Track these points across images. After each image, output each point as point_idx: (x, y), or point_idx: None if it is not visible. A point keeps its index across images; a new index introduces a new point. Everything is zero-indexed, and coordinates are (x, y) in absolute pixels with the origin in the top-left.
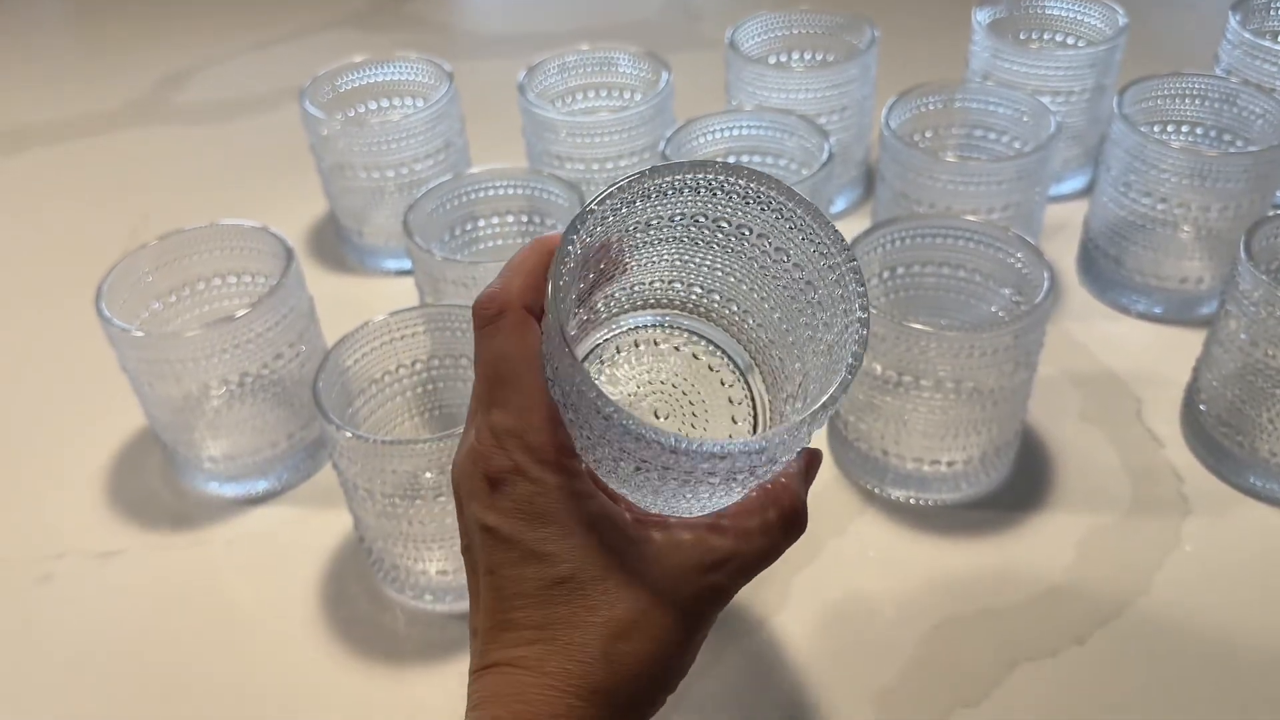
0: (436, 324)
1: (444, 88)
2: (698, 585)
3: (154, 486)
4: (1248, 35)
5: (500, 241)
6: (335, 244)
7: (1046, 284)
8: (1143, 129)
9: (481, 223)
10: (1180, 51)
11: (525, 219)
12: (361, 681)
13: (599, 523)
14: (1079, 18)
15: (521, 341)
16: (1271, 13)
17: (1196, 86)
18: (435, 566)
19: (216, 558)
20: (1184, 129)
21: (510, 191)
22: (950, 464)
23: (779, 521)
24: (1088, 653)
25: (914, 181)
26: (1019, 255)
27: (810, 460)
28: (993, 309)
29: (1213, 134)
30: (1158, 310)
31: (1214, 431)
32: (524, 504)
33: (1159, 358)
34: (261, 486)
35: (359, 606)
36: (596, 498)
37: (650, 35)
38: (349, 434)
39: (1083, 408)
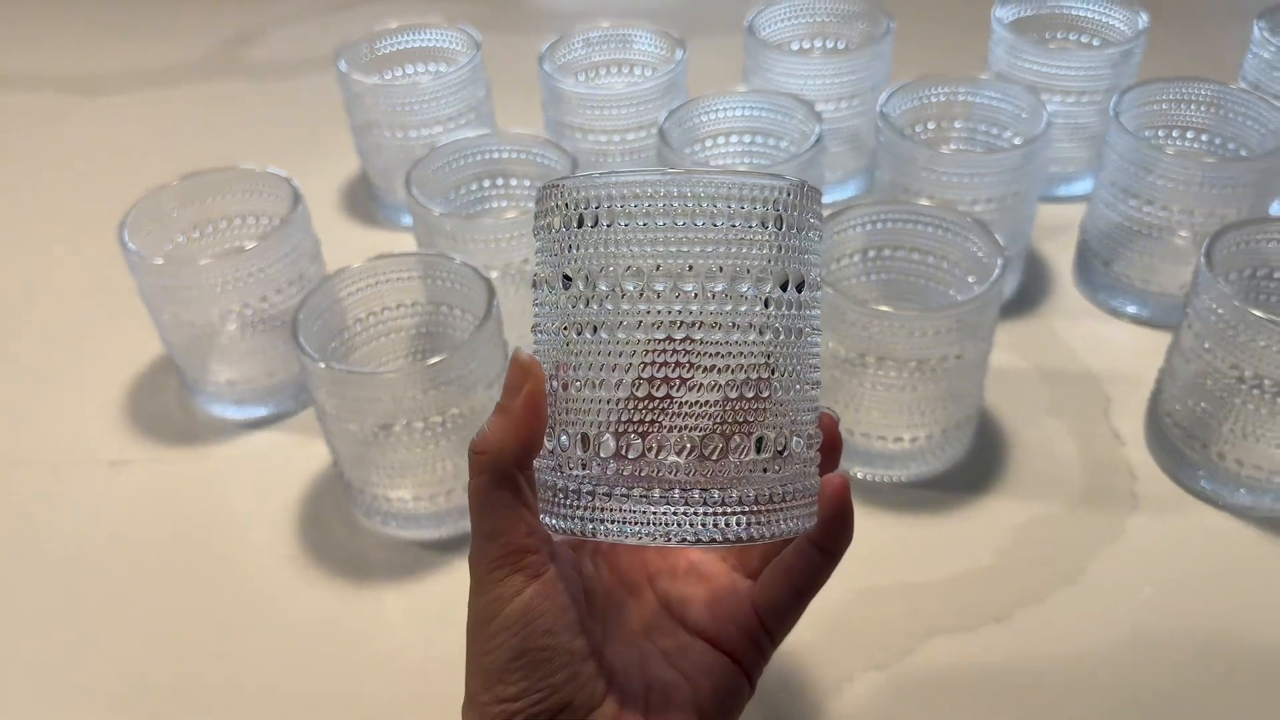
0: (416, 271)
1: (471, 55)
2: None
3: (168, 406)
4: (1275, 44)
5: (500, 203)
6: (366, 200)
7: (997, 271)
8: (1144, 134)
9: (487, 183)
10: (1204, 57)
11: (529, 182)
12: (329, 596)
13: None
14: (1100, 18)
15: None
16: None
17: (1198, 92)
18: (404, 494)
19: (213, 473)
20: (1188, 134)
21: (509, 155)
22: (898, 440)
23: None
24: (1005, 631)
25: (906, 171)
26: (977, 242)
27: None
28: (953, 293)
29: (1217, 141)
30: (1148, 315)
31: (1172, 435)
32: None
33: (1139, 360)
34: (262, 411)
35: (333, 529)
36: (474, 607)
37: (694, 16)
38: (321, 364)
39: (1051, 402)
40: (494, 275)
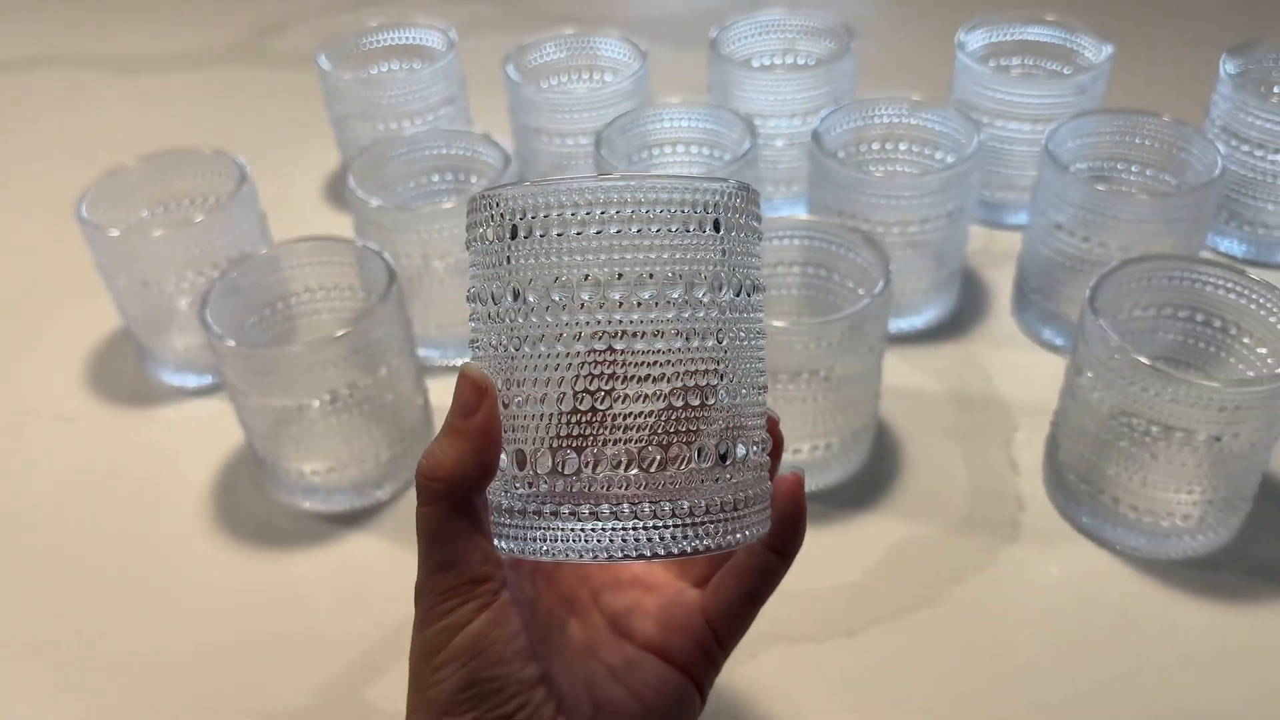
0: (326, 256)
1: (447, 53)
2: None
3: (124, 372)
4: (1241, 90)
5: (428, 198)
6: (344, 190)
7: (880, 285)
8: (1078, 167)
9: (435, 178)
10: (1171, 87)
11: (462, 177)
12: (235, 561)
13: None
14: (1069, 46)
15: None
16: (1273, 62)
17: (1132, 124)
18: (311, 468)
19: (154, 434)
20: (1133, 168)
21: (445, 151)
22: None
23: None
24: (853, 645)
25: (835, 192)
26: (867, 256)
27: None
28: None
29: (1148, 173)
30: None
31: (1062, 470)
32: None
33: (1058, 393)
34: (210, 380)
35: (247, 498)
36: (418, 638)
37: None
38: (231, 343)
39: (956, 427)
40: (436, 265)
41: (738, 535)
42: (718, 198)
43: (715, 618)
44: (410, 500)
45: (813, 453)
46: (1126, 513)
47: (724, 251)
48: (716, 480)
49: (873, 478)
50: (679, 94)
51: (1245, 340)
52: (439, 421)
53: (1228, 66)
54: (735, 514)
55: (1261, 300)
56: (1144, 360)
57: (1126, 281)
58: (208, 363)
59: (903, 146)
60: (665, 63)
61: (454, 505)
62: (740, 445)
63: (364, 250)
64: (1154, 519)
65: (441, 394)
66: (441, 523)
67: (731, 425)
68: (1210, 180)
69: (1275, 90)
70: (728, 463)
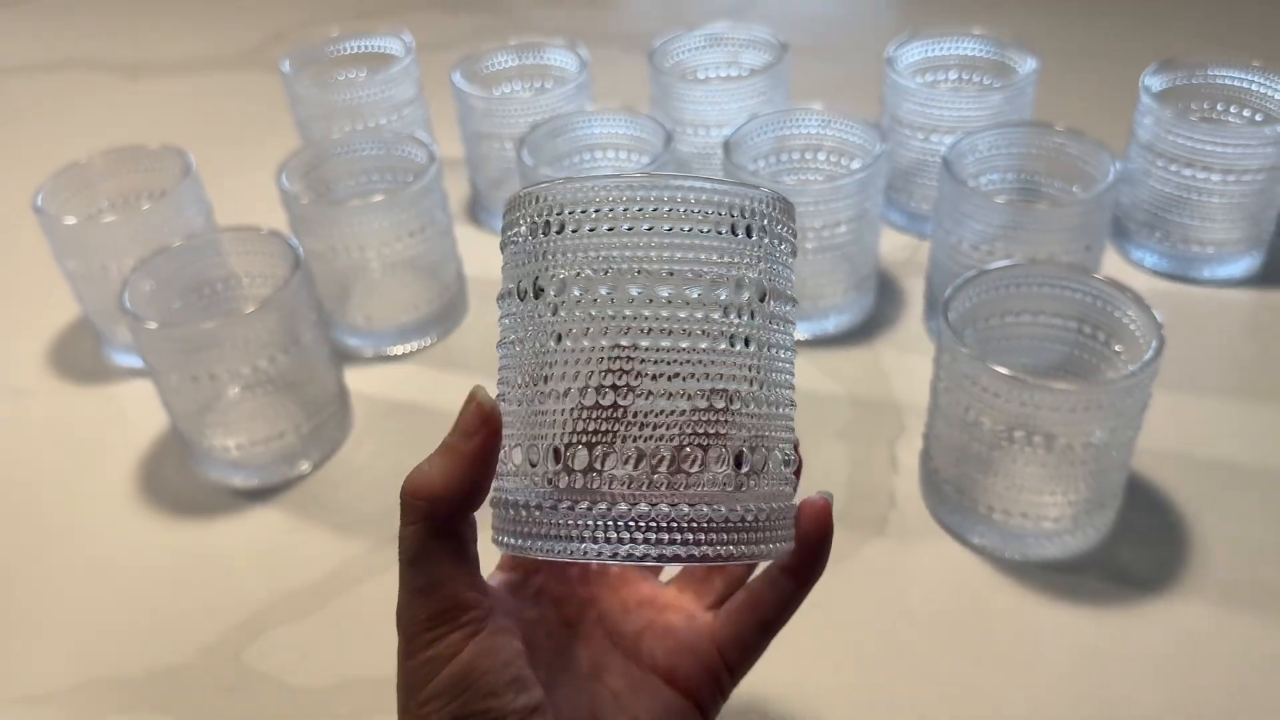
0: (244, 245)
1: (406, 58)
2: None
3: (82, 354)
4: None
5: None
6: None
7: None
8: (985, 178)
9: (376, 177)
10: (1098, 106)
11: (390, 177)
12: (157, 529)
13: None
14: (1002, 61)
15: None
16: (1196, 78)
17: (1031, 136)
18: (229, 443)
19: (100, 410)
20: (1040, 179)
21: (372, 153)
22: None
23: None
24: None
25: None
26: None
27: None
28: None
29: (1056, 184)
30: None
31: (935, 471)
32: None
33: None
34: None
35: (173, 471)
36: (404, 669)
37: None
38: (152, 325)
39: (846, 427)
40: (371, 256)
41: (758, 548)
42: (753, 204)
43: (726, 646)
44: (327, 478)
45: None
46: (988, 514)
47: (756, 258)
48: (739, 489)
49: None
50: (628, 103)
51: (1117, 348)
52: (357, 403)
53: (1150, 82)
54: (756, 526)
55: (1121, 305)
56: (998, 368)
57: (994, 289)
58: None
59: (821, 156)
60: (631, 73)
61: (438, 527)
62: (763, 456)
63: (276, 238)
64: (1015, 521)
65: (361, 381)
66: (424, 544)
67: (756, 434)
68: (1102, 190)
69: (1194, 107)
70: (745, 471)
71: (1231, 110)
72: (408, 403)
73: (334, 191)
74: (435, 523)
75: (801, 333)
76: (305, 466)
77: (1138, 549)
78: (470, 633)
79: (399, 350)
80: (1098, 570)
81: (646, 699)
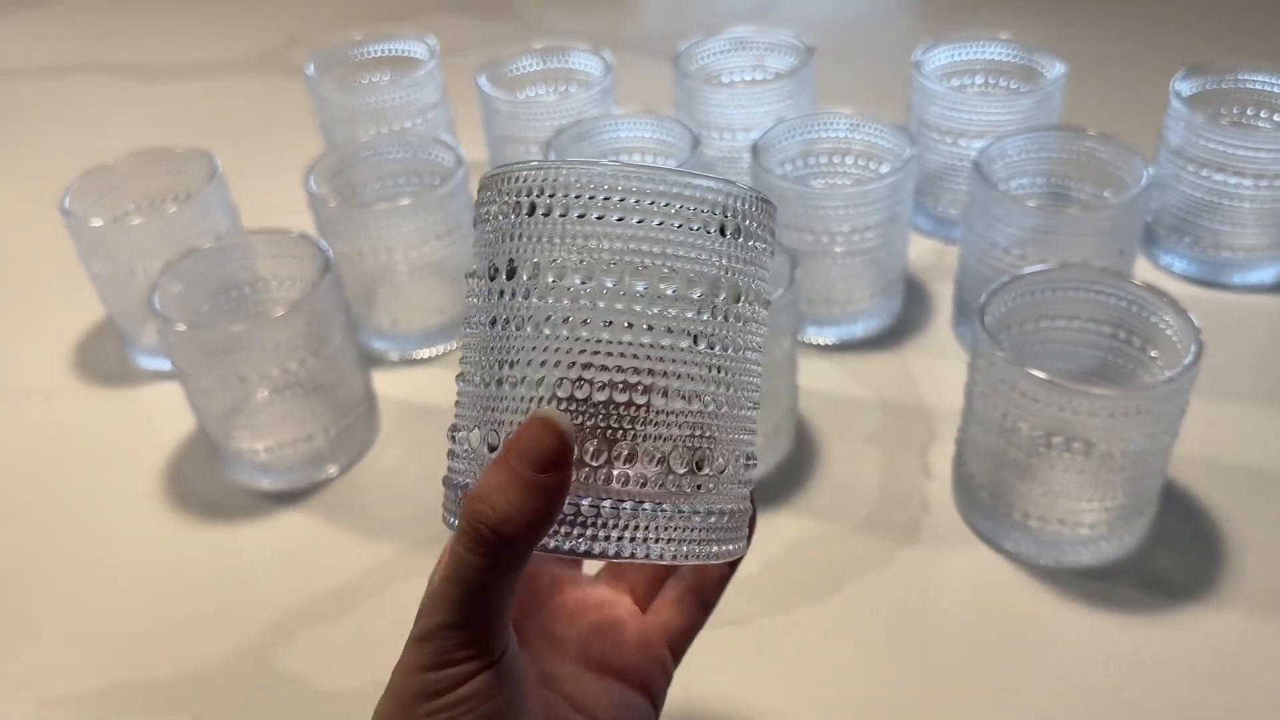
0: (271, 249)
1: (429, 64)
2: (405, 647)
3: (106, 357)
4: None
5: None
6: None
7: (784, 287)
8: (1015, 182)
9: (402, 180)
10: (1127, 111)
11: (416, 180)
12: (185, 531)
13: None
14: (1028, 65)
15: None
16: (1226, 83)
17: (1063, 140)
18: (257, 446)
19: (125, 413)
20: (1071, 184)
21: (398, 156)
22: None
23: (457, 534)
24: (741, 634)
25: (778, 204)
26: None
27: (514, 439)
28: None
29: (1087, 189)
30: None
31: (965, 476)
32: None
33: None
34: None
35: (199, 474)
36: (418, 678)
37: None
38: (181, 326)
39: (875, 431)
40: (398, 260)
41: (707, 549)
42: (735, 202)
43: (674, 634)
44: (354, 481)
45: None
46: (1023, 520)
47: (734, 257)
48: (696, 490)
49: (787, 478)
50: (651, 106)
51: (1153, 354)
52: (384, 407)
53: (1180, 87)
54: (706, 527)
55: (1158, 311)
56: (1036, 372)
57: (1028, 293)
58: None
59: (849, 160)
60: (653, 77)
61: (504, 561)
62: (725, 459)
63: (306, 241)
64: (1050, 527)
65: (388, 385)
66: (486, 576)
67: (716, 436)
68: (1135, 194)
69: (1224, 111)
70: (703, 472)
71: (1262, 115)
72: (434, 406)
73: (360, 194)
74: (503, 559)
75: (829, 337)
76: (333, 470)
77: (1172, 556)
78: (488, 663)
79: (425, 354)
80: (1132, 577)
81: (604, 701)
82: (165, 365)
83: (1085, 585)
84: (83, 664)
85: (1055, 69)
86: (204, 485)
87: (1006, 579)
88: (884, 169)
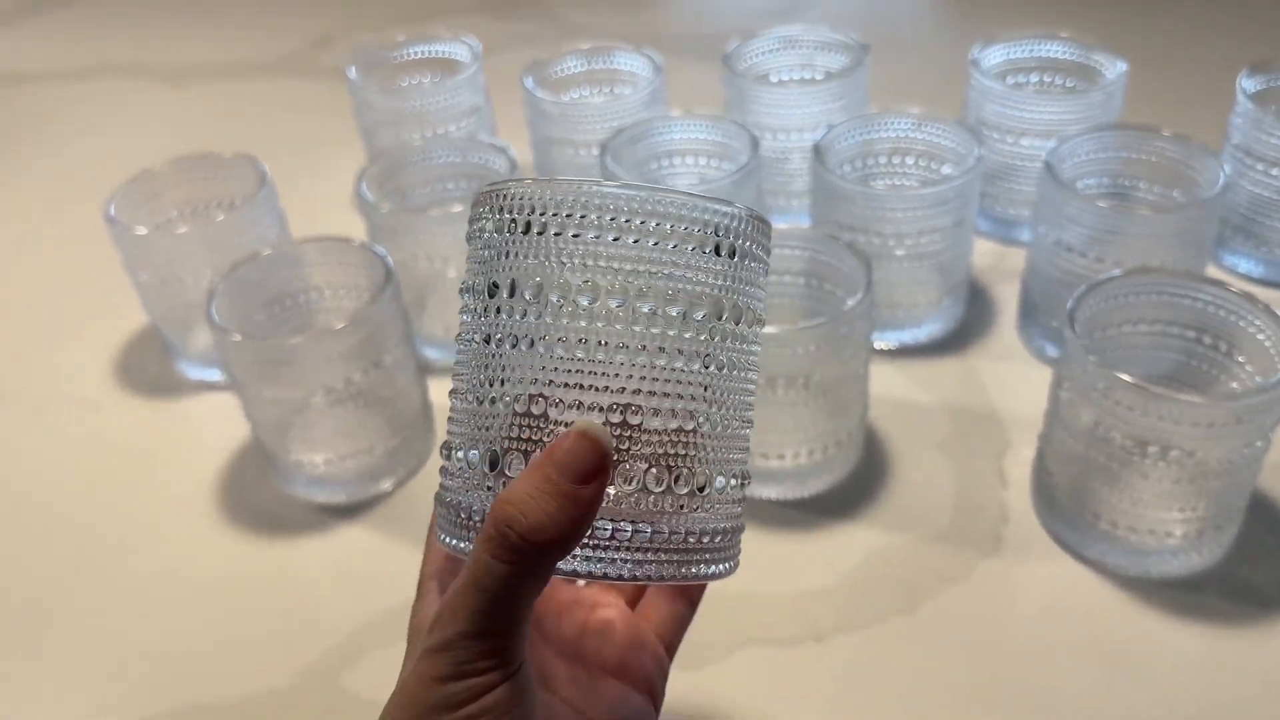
0: (330, 256)
1: (472, 65)
2: (417, 657)
3: (150, 366)
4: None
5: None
6: None
7: (861, 293)
8: (1084, 183)
9: (450, 185)
10: (1189, 109)
11: (477, 184)
12: (240, 547)
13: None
14: (1085, 63)
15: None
16: None
17: (1135, 140)
18: (316, 459)
19: (172, 424)
20: (1141, 184)
21: (458, 160)
22: (764, 458)
23: (480, 540)
24: (823, 650)
25: (837, 205)
26: (852, 265)
27: (552, 451)
28: None
29: (1156, 190)
30: None
31: (1048, 485)
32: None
33: None
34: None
35: (253, 487)
36: (435, 689)
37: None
38: (237, 337)
39: (946, 439)
40: (450, 273)
41: (688, 570)
42: (729, 221)
43: (666, 629)
44: (412, 494)
45: (795, 460)
46: (1110, 530)
47: (729, 277)
48: (681, 510)
49: (858, 487)
50: (689, 107)
51: (1239, 358)
52: (439, 418)
53: (1246, 84)
54: (689, 547)
55: (1248, 315)
56: (1126, 378)
57: (1112, 297)
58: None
59: (909, 160)
60: (693, 77)
61: (532, 572)
62: (719, 477)
63: (364, 249)
64: (1138, 536)
65: (441, 393)
66: (511, 585)
67: (706, 456)
68: (1212, 195)
69: None
70: (704, 493)
71: None
72: None
73: (409, 199)
74: (529, 568)
75: (891, 342)
76: (387, 485)
77: (1260, 566)
78: (508, 674)
79: None
80: (1219, 587)
81: (604, 701)
82: (212, 375)
83: (1173, 596)
84: (147, 686)
85: (1116, 67)
86: (259, 498)
87: (1092, 590)
88: (945, 169)
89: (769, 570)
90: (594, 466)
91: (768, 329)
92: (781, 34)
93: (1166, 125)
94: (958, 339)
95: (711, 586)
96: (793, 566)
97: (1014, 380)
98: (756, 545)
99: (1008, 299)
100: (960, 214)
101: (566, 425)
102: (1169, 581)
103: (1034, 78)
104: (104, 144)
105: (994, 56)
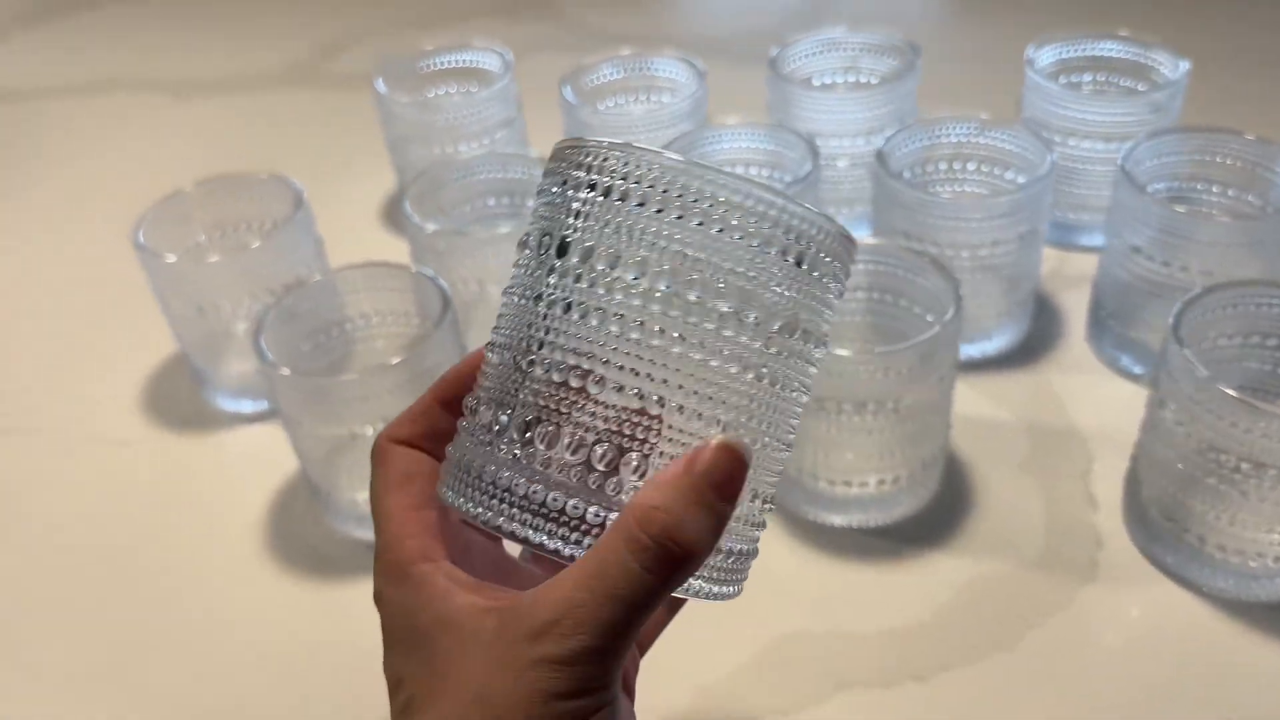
0: (383, 282)
1: (504, 75)
2: (522, 664)
3: (180, 398)
4: None
5: (491, 222)
6: (399, 214)
7: (953, 311)
8: (1155, 187)
9: (492, 201)
10: (1253, 108)
11: (519, 200)
12: (291, 592)
13: (437, 630)
14: (1141, 62)
15: (381, 472)
16: None
17: (1212, 143)
18: (364, 496)
19: (209, 460)
20: (1213, 189)
21: (501, 175)
22: (846, 485)
23: (626, 546)
24: (924, 691)
25: (901, 214)
26: (933, 282)
27: (695, 461)
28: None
29: (1230, 194)
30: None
31: (1144, 505)
32: (384, 629)
33: (1136, 424)
34: (266, 405)
35: (301, 525)
36: (441, 600)
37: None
38: (284, 371)
39: (1029, 458)
40: (492, 290)
41: (706, 587)
42: (813, 231)
43: (645, 632)
44: None
45: (879, 487)
46: (1213, 552)
47: (796, 288)
48: None
49: (943, 513)
50: (737, 114)
51: None
52: None
53: None
54: (709, 562)
55: None
56: (1234, 393)
57: (1212, 309)
58: (263, 388)
59: (970, 166)
60: (721, 82)
61: (673, 587)
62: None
63: (419, 276)
64: (1243, 559)
65: None
66: (655, 601)
67: None
68: None
69: None
70: None
71: None
72: None
73: (450, 217)
74: (675, 583)
75: (960, 355)
76: None
77: None
78: (606, 701)
79: None
80: None
81: None
82: (246, 406)
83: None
84: None
85: (1178, 66)
86: (308, 538)
87: (1201, 617)
88: (1009, 175)
89: (858, 605)
90: (738, 484)
91: (855, 352)
92: (824, 36)
93: (1228, 125)
94: (1026, 351)
95: (799, 624)
96: (883, 601)
97: (1089, 393)
98: (841, 578)
99: (1072, 307)
100: (1033, 222)
101: (608, 405)
102: (1277, 605)
103: (1085, 77)
104: (110, 163)
105: (1046, 56)
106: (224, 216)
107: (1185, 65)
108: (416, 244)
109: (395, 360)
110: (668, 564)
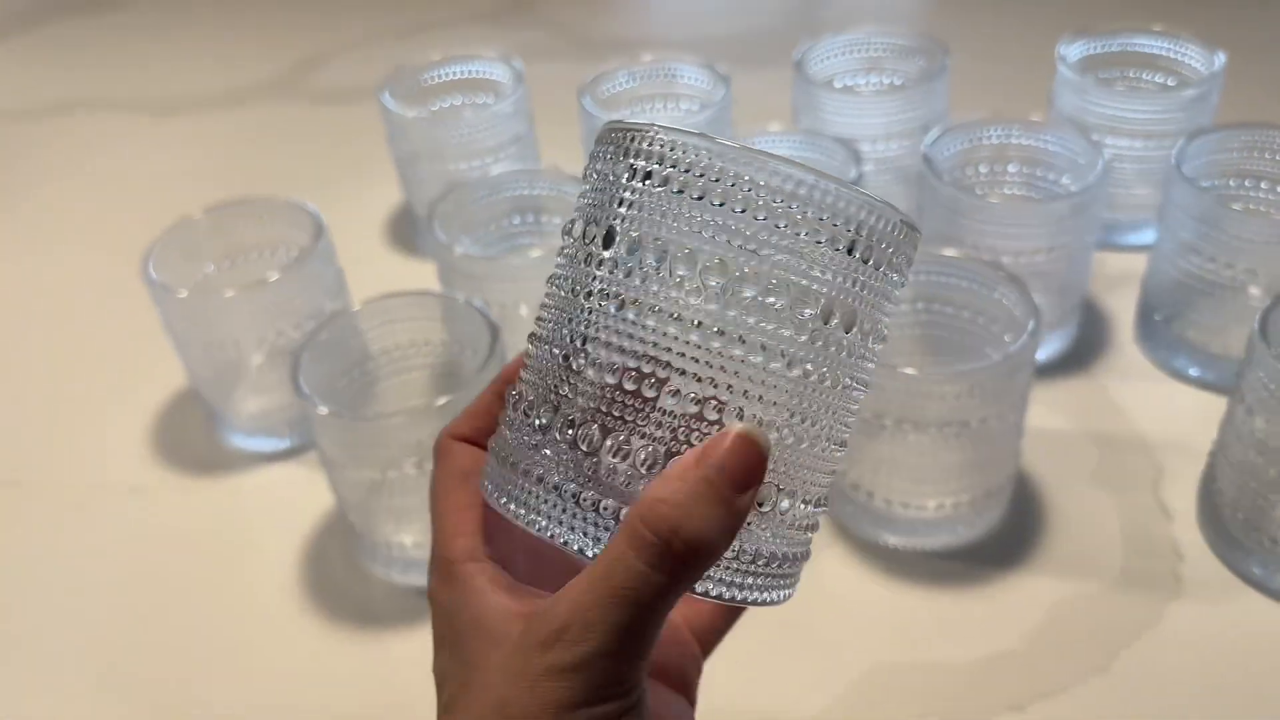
0: (423, 311)
1: (515, 87)
2: (535, 673)
3: (192, 438)
4: None
5: (516, 241)
6: (411, 233)
7: (1031, 326)
8: (1210, 184)
9: (517, 219)
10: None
11: (544, 218)
12: (330, 640)
13: (471, 631)
14: (1172, 57)
15: (441, 469)
16: None
17: (1261, 139)
18: (406, 540)
19: (229, 505)
20: (1261, 185)
21: (527, 192)
22: (920, 508)
23: (629, 543)
24: None
25: (946, 219)
26: (1012, 297)
27: (708, 453)
28: (989, 351)
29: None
30: (1213, 378)
31: (1224, 515)
32: (433, 627)
33: (1199, 428)
34: (285, 444)
35: (337, 571)
36: (478, 601)
37: (750, 48)
38: (324, 410)
39: (1097, 470)
40: (523, 311)
41: (745, 593)
42: (873, 220)
43: (703, 630)
44: None
45: (956, 509)
46: None
47: (854, 280)
48: (751, 525)
49: (1017, 531)
50: (759, 119)
51: None
52: None
53: None
54: (738, 566)
55: None
56: None
57: None
58: (282, 425)
59: (1012, 169)
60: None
61: (684, 585)
62: (786, 499)
63: (462, 305)
64: None
65: None
66: (665, 600)
67: (788, 473)
68: None
69: None
70: (764, 511)
71: None
72: None
73: (475, 238)
74: (685, 579)
75: None
76: None
77: None
78: (629, 706)
79: None
80: None
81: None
82: (265, 445)
83: None
84: None
85: (1214, 61)
86: (346, 586)
87: None
88: (1050, 176)
89: (944, 633)
90: (757, 475)
91: (925, 371)
92: (848, 38)
93: (1265, 119)
94: (1077, 356)
95: (884, 656)
96: (966, 628)
97: (1148, 399)
98: (925, 606)
99: (1118, 309)
100: (1088, 229)
101: (665, 410)
102: None
103: (1114, 72)
104: (86, 185)
105: (1075, 52)
106: (233, 244)
107: (1221, 58)
108: (446, 267)
109: (442, 400)
110: (674, 560)
